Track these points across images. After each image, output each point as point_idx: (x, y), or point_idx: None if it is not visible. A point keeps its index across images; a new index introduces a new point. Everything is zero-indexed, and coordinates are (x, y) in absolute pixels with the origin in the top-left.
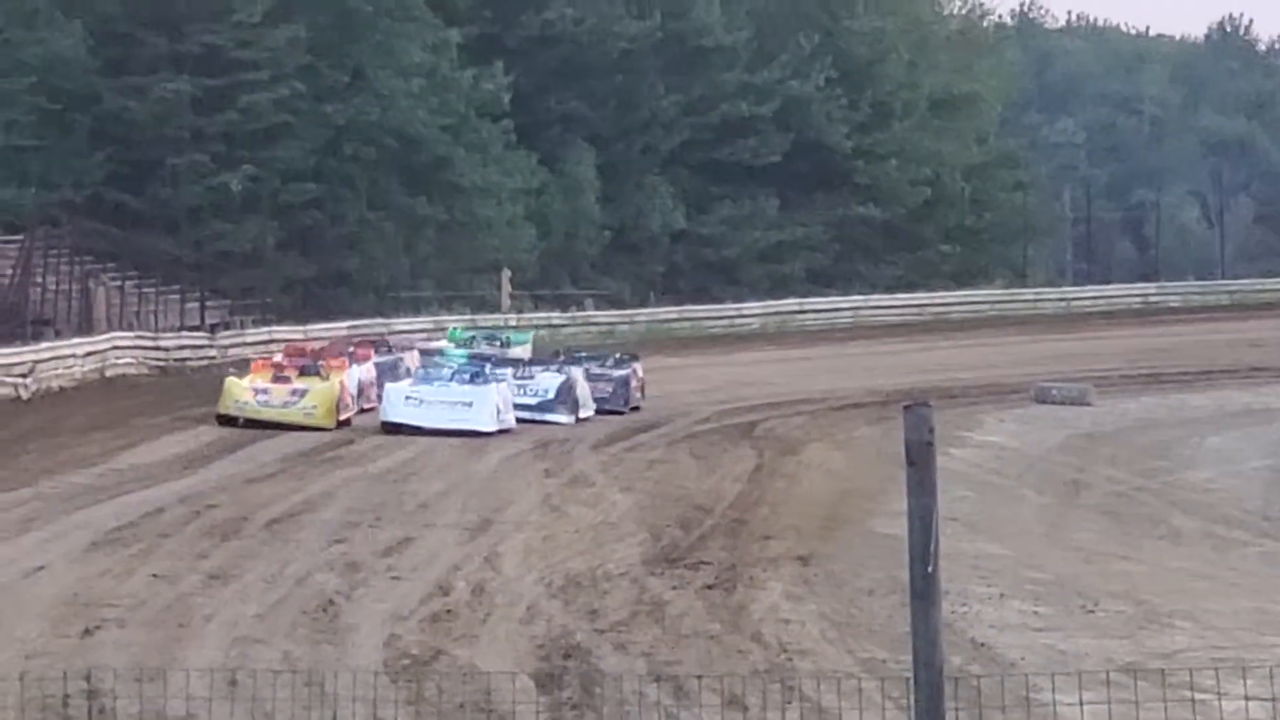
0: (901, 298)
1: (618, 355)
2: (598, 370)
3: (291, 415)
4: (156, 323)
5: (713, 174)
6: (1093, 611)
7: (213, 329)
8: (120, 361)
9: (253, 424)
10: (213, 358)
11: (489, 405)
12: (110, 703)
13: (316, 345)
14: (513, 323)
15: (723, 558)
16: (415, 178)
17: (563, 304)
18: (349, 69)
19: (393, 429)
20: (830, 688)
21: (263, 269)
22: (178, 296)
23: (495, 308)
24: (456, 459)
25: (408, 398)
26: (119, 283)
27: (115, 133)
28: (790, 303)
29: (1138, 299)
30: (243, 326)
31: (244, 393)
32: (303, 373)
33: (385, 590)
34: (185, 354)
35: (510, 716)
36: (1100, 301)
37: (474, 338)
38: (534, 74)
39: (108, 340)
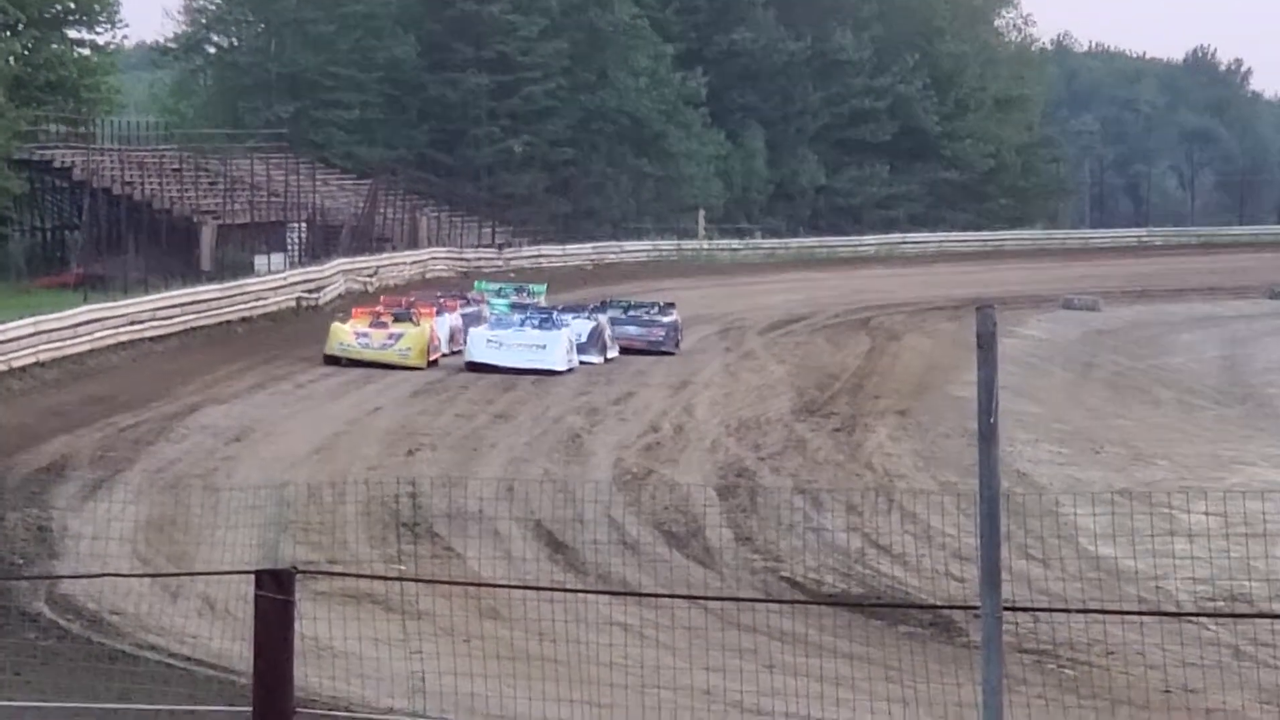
0: (971, 235)
1: (660, 304)
2: (649, 317)
3: (389, 356)
4: (461, 242)
5: (843, 147)
6: (1099, 452)
7: (499, 247)
8: (436, 267)
9: (354, 363)
10: (498, 266)
11: (561, 347)
12: (426, 501)
13: (411, 297)
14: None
15: (846, 410)
16: (639, 146)
17: (740, 234)
18: (596, 70)
19: (476, 368)
20: (920, 500)
21: (533, 207)
22: (475, 224)
23: (694, 236)
24: None
25: (488, 341)
26: (436, 214)
27: (435, 111)
28: (895, 236)
29: (1133, 239)
30: (519, 246)
31: (348, 336)
32: (397, 319)
33: (614, 428)
34: (480, 263)
35: (700, 516)
36: (1107, 240)
37: (501, 288)
38: (723, 76)
39: (428, 253)
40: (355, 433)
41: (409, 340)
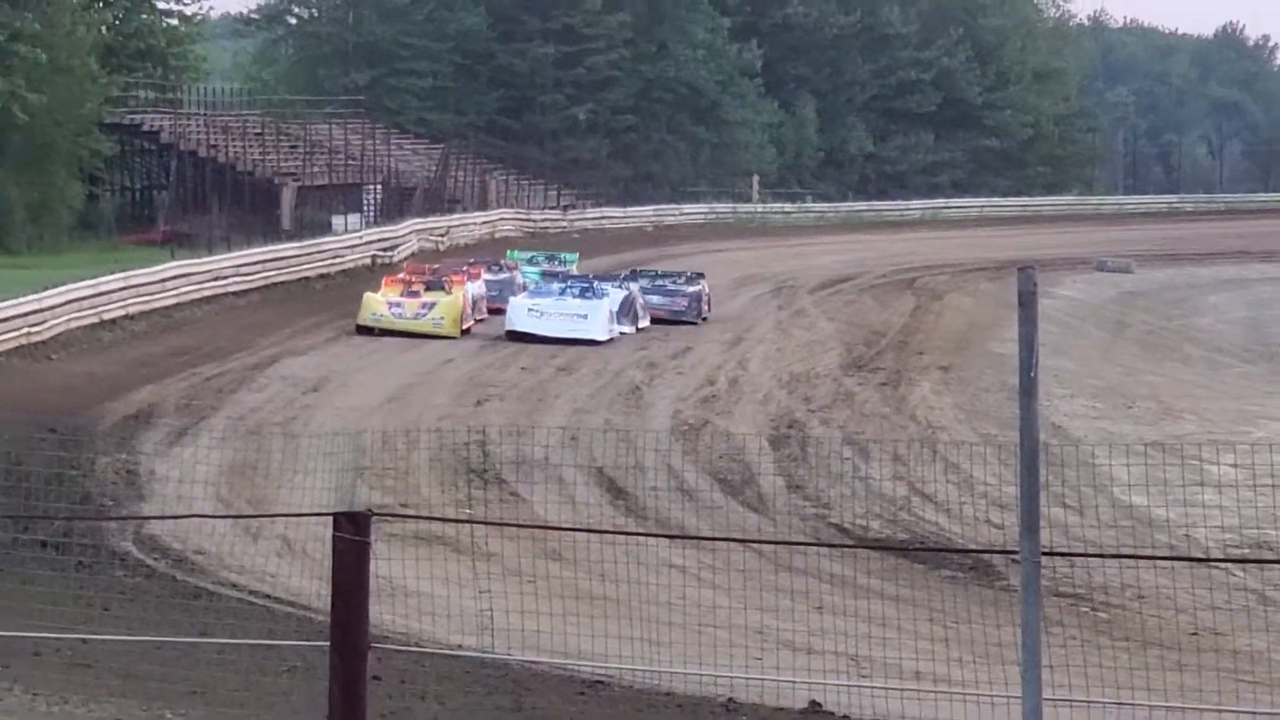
0: (1012, 200)
1: (688, 273)
2: (673, 286)
3: (423, 325)
4: (528, 203)
5: (891, 117)
6: (1131, 407)
7: (565, 209)
8: (504, 227)
9: (388, 333)
10: (563, 227)
11: (602, 316)
12: (494, 449)
13: (436, 266)
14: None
15: (891, 365)
16: (697, 114)
17: (792, 199)
18: (657, 42)
19: (516, 337)
20: (961, 451)
21: (596, 171)
22: (541, 187)
23: (748, 200)
24: (719, 298)
25: (529, 310)
26: (504, 178)
27: (504, 80)
28: (939, 201)
29: (1164, 205)
30: (583, 208)
31: (380, 306)
32: (429, 287)
33: (672, 381)
34: (546, 224)
35: (753, 464)
36: (1140, 206)
37: (533, 257)
38: (776, 48)
39: (497, 215)
40: (426, 384)
41: (442, 309)
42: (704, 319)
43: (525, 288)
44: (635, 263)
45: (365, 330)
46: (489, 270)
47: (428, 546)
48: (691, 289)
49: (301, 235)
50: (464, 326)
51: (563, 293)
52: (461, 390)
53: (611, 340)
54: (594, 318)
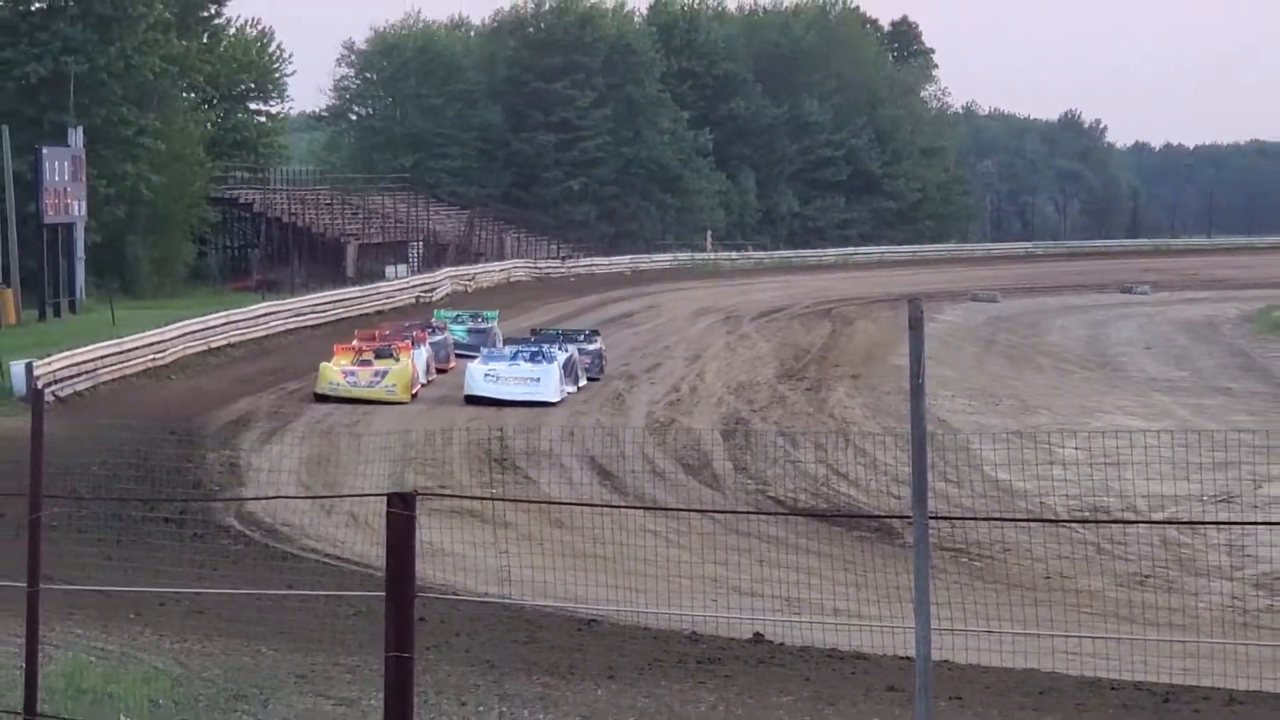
0: (905, 248)
1: (586, 332)
2: (574, 346)
3: (377, 393)
4: (535, 255)
5: (812, 185)
6: (998, 405)
7: (563, 259)
8: (517, 274)
9: (344, 400)
10: (563, 274)
11: (554, 379)
12: (511, 443)
13: (385, 330)
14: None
15: (814, 375)
16: (664, 185)
17: (737, 248)
18: (633, 130)
19: (474, 401)
20: (868, 440)
21: (587, 229)
22: (546, 242)
23: (704, 250)
24: (681, 325)
25: (486, 375)
26: (517, 235)
27: (515, 160)
28: (849, 249)
29: (1021, 250)
30: (577, 258)
31: (336, 375)
32: (378, 355)
33: (646, 389)
34: (549, 270)
35: (709, 452)
36: (1003, 251)
37: (458, 315)
38: (724, 134)
39: (511, 264)
40: (457, 395)
41: (393, 377)
42: (602, 373)
43: (456, 344)
44: (585, 307)
45: (323, 398)
46: (430, 333)
47: (460, 518)
48: (592, 347)
49: (362, 281)
50: (413, 391)
51: (514, 357)
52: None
53: (562, 401)
54: (545, 381)
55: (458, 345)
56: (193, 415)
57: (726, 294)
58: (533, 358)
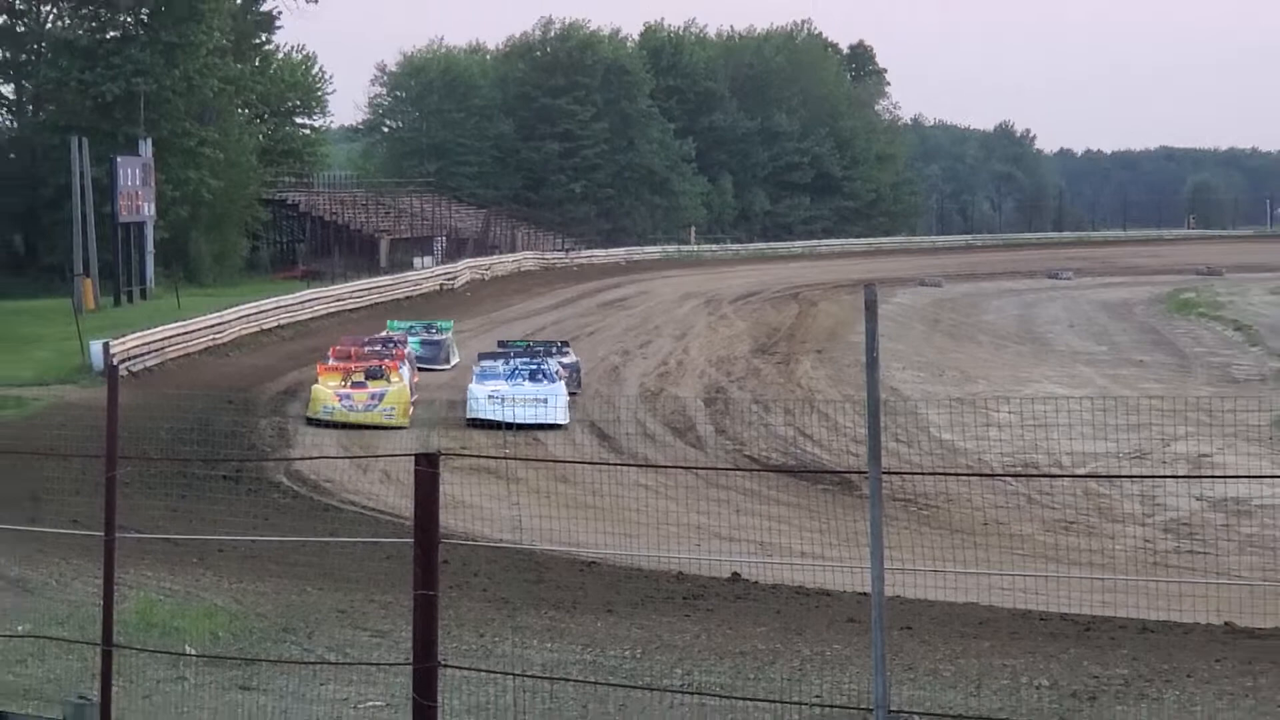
0: (862, 240)
1: (558, 344)
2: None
3: (374, 417)
4: (543, 248)
5: (781, 186)
6: (942, 375)
7: (567, 251)
8: (527, 264)
9: (339, 426)
10: (567, 264)
11: (562, 400)
12: None
13: (350, 341)
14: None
15: (784, 350)
16: (654, 187)
17: (717, 242)
18: (627, 139)
19: (478, 424)
20: (831, 406)
21: (588, 226)
22: (551, 237)
23: (688, 243)
24: (669, 308)
25: (490, 396)
26: (526, 231)
27: (525, 166)
28: (814, 242)
29: (963, 242)
30: (579, 250)
31: (330, 399)
32: (370, 376)
33: (639, 363)
34: (554, 261)
35: (693, 417)
36: (947, 243)
37: (411, 326)
38: (705, 142)
39: (522, 256)
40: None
41: (390, 400)
42: (580, 387)
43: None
44: (585, 292)
45: (317, 423)
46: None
47: (478, 475)
48: (569, 360)
49: (393, 271)
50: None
51: (513, 375)
52: None
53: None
54: (553, 402)
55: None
56: (248, 387)
57: (708, 281)
58: (532, 376)
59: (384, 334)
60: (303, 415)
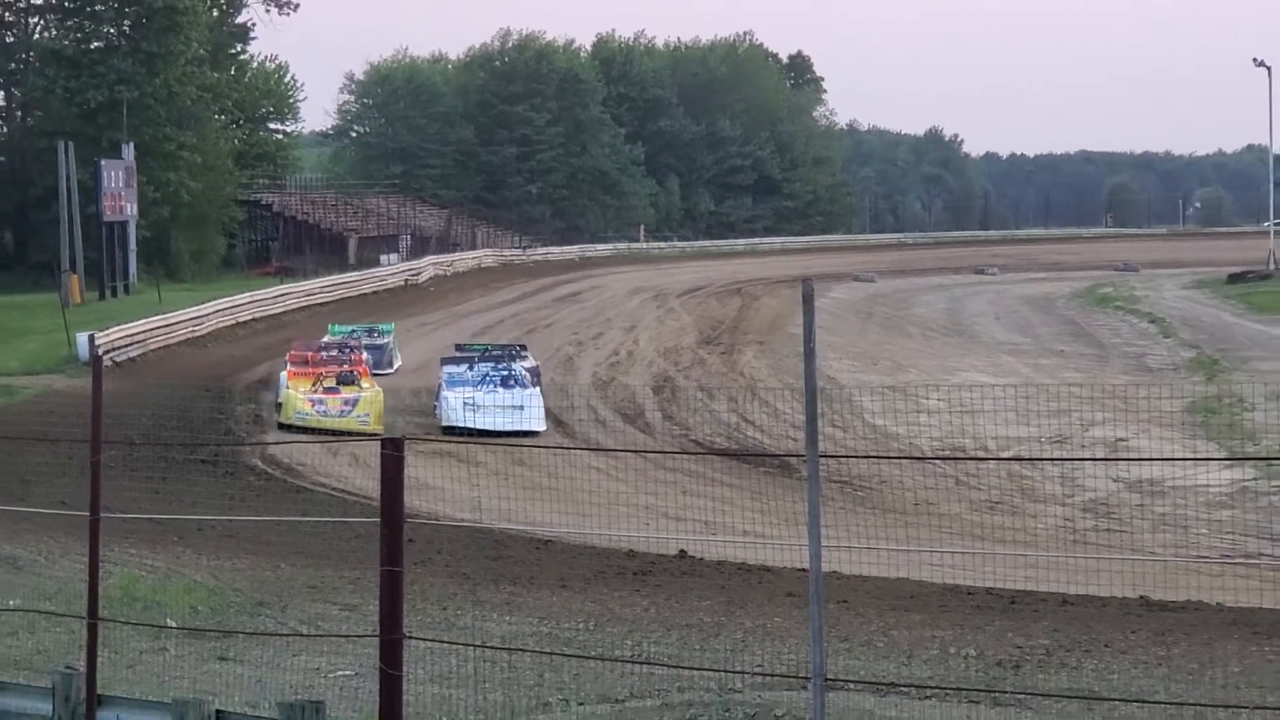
0: (800, 238)
1: (515, 346)
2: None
3: (349, 423)
4: (501, 245)
5: (725, 188)
6: (876, 364)
7: (524, 248)
8: (487, 261)
9: (312, 431)
10: (524, 260)
11: (538, 406)
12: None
13: (303, 344)
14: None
15: (728, 341)
16: (605, 188)
17: (664, 239)
18: (580, 144)
19: (452, 432)
20: (772, 394)
21: (544, 225)
22: (508, 235)
23: (638, 241)
24: (620, 301)
25: (465, 403)
26: (486, 230)
27: (485, 169)
28: (755, 240)
29: (894, 240)
30: (536, 248)
31: (303, 404)
32: (342, 381)
33: (591, 353)
34: (512, 258)
35: (643, 404)
36: (880, 241)
37: (353, 330)
38: (654, 146)
39: (482, 253)
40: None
41: (365, 405)
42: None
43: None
44: (542, 287)
45: (288, 428)
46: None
47: (441, 458)
48: (530, 364)
49: (361, 267)
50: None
51: (484, 381)
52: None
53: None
54: (529, 409)
55: None
56: (224, 376)
57: (656, 276)
58: (504, 382)
59: (338, 338)
60: (274, 404)
